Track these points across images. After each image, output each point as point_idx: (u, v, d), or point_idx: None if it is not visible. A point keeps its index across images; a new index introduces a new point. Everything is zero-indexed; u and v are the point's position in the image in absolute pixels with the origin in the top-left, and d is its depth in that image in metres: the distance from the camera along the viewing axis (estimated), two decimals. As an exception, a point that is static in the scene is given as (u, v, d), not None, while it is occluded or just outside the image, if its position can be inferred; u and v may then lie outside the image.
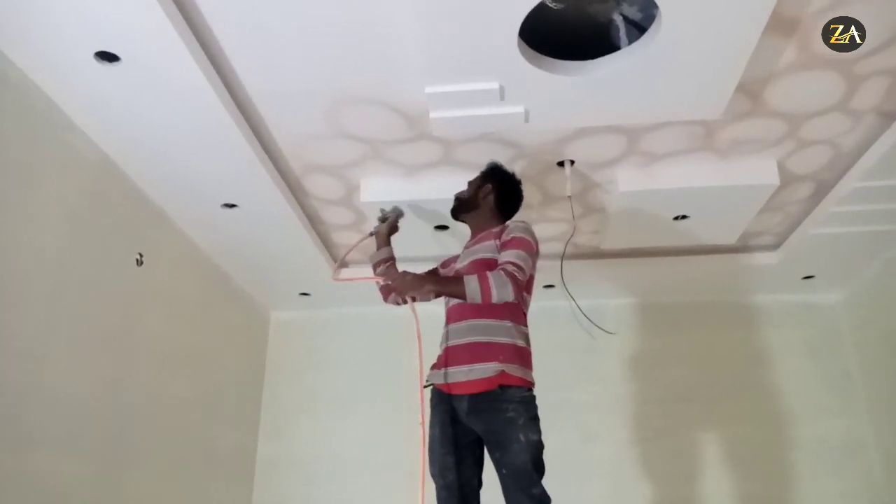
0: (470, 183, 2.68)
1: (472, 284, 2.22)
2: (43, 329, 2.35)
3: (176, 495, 3.19)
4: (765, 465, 3.89)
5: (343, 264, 3.78)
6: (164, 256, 3.13)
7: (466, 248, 2.59)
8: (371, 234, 2.86)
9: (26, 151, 2.28)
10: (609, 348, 4.11)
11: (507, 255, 2.32)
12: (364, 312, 4.24)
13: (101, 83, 2.24)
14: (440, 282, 2.37)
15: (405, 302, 2.51)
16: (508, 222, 2.51)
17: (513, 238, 2.38)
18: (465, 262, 2.49)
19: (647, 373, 4.11)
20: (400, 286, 2.30)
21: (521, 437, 2.20)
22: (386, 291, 2.67)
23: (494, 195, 2.61)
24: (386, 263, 2.71)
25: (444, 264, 2.72)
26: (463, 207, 2.65)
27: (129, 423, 2.85)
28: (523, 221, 2.49)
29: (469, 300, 2.23)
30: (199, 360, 3.48)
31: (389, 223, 2.83)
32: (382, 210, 2.90)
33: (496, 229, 2.49)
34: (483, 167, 2.72)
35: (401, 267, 2.69)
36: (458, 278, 2.28)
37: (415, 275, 2.37)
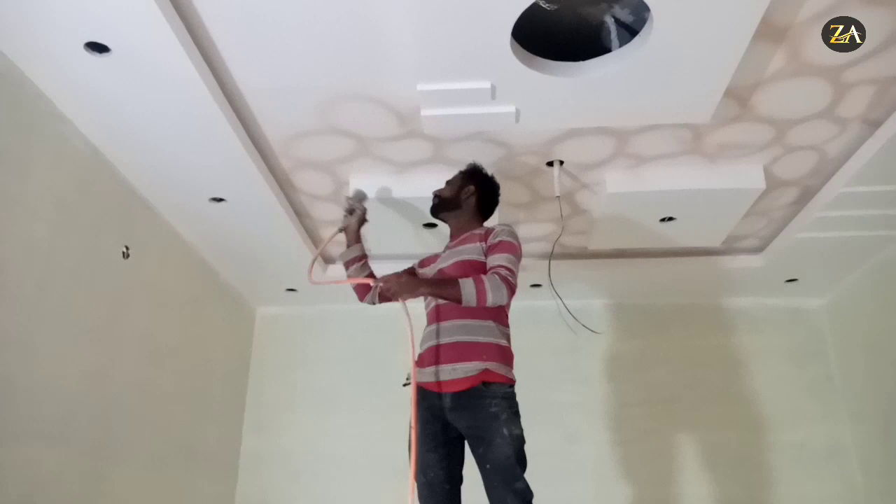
0: (449, 182, 2.69)
1: (468, 288, 2.23)
2: (29, 320, 2.33)
3: (160, 488, 3.18)
4: (746, 468, 3.93)
5: (326, 254, 3.76)
6: (151, 250, 3.12)
7: (449, 247, 2.60)
8: (341, 230, 2.74)
9: (15, 141, 2.26)
10: (594, 349, 4.14)
11: (498, 259, 2.35)
12: (350, 309, 4.20)
13: (91, 74, 2.23)
14: (435, 284, 2.35)
15: (382, 302, 2.52)
16: (493, 225, 2.53)
17: (500, 242, 2.41)
18: (449, 263, 2.50)
19: (631, 374, 4.14)
20: (395, 288, 2.24)
21: (505, 431, 2.24)
22: (362, 291, 2.65)
23: (476, 196, 2.64)
24: (359, 262, 2.67)
25: (424, 263, 2.70)
26: (444, 206, 2.65)
27: (115, 415, 2.84)
28: (508, 225, 2.52)
29: (464, 303, 2.25)
30: (184, 354, 3.46)
31: (359, 216, 2.72)
32: (348, 200, 2.74)
33: (480, 231, 2.53)
34: (464, 166, 2.72)
35: (374, 265, 2.72)
36: (453, 281, 2.27)
37: (409, 277, 2.35)
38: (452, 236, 2.64)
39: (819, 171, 2.96)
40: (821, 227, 3.25)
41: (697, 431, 4.01)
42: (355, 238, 2.72)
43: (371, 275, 2.69)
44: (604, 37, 2.24)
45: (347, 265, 2.69)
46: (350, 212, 2.72)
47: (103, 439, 2.76)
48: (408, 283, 2.28)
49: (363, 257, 2.70)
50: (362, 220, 2.75)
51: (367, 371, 4.12)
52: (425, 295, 2.34)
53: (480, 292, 2.23)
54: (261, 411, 4.20)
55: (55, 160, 2.46)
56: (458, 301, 2.25)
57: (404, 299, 2.30)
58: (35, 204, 2.36)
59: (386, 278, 2.29)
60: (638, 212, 3.16)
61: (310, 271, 2.69)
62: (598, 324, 3.92)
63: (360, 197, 2.77)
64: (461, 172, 2.70)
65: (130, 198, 2.94)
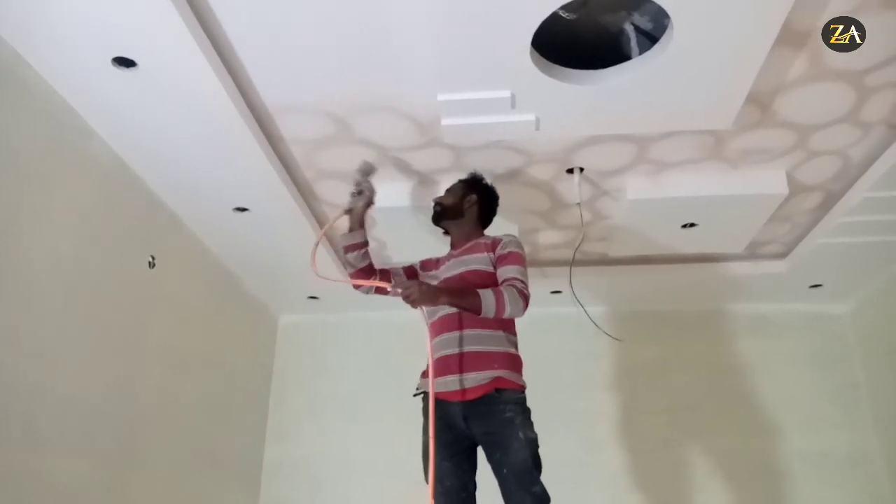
0: (450, 190, 2.71)
1: (488, 300, 2.27)
2: (56, 331, 2.38)
3: (183, 497, 3.21)
4: (768, 476, 3.89)
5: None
6: (176, 259, 3.16)
7: (453, 256, 2.61)
8: (346, 212, 2.61)
9: (43, 155, 2.31)
10: (614, 355, 4.12)
11: (511, 272, 2.40)
12: (372, 317, 4.27)
13: (118, 88, 2.27)
14: (456, 294, 2.34)
15: (378, 294, 2.56)
16: (499, 235, 2.57)
17: (510, 253, 2.46)
18: (457, 272, 2.51)
19: (652, 381, 4.12)
20: (416, 296, 2.24)
21: (521, 435, 2.29)
22: (359, 278, 2.61)
23: (478, 206, 2.67)
24: (360, 249, 2.59)
25: (426, 265, 2.71)
26: (447, 215, 2.66)
27: (139, 424, 2.87)
28: (514, 236, 2.57)
29: (483, 314, 2.29)
30: (208, 363, 3.50)
31: (367, 197, 2.61)
32: (357, 181, 2.60)
33: (485, 241, 2.56)
34: (464, 175, 2.76)
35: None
36: (472, 291, 2.30)
37: (429, 285, 2.36)
38: (455, 244, 2.66)
39: (842, 176, 2.94)
40: (845, 233, 3.22)
41: (719, 439, 3.97)
42: (360, 223, 2.61)
43: (384, 272, 2.66)
44: (624, 44, 2.25)
45: (347, 250, 2.60)
46: (358, 192, 2.61)
47: (127, 449, 2.79)
48: (429, 291, 2.29)
49: (365, 244, 2.61)
50: (369, 203, 2.65)
51: (389, 378, 4.13)
52: (445, 304, 2.35)
53: (500, 304, 2.28)
54: (283, 419, 4.23)
55: (82, 173, 2.50)
56: (477, 312, 2.28)
57: (433, 304, 2.31)
58: (62, 216, 2.41)
59: (407, 285, 2.29)
60: (659, 218, 3.15)
61: (313, 261, 2.57)
62: (619, 330, 3.91)
63: (369, 170, 2.62)
64: (462, 181, 2.72)
65: (156, 209, 2.99)
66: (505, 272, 2.42)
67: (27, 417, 2.23)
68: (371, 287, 2.61)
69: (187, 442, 3.27)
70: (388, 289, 2.44)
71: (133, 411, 2.83)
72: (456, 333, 2.41)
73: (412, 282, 2.34)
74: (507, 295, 2.29)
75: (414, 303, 2.27)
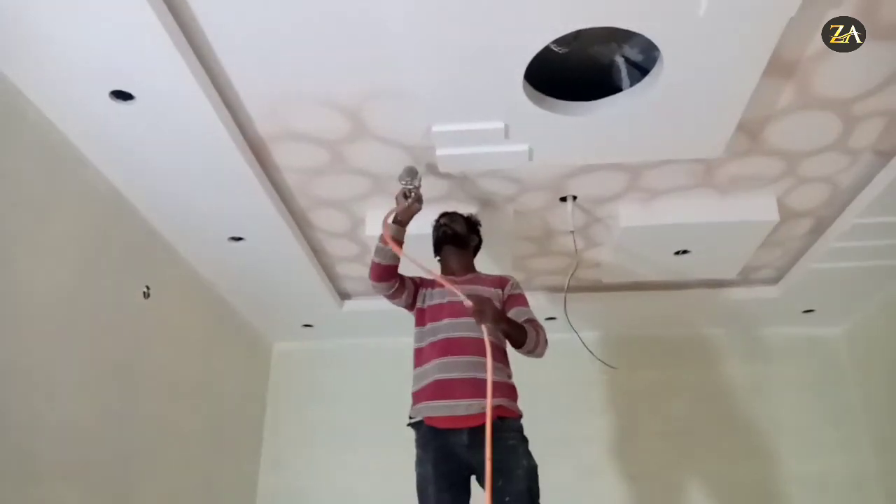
0: (454, 220, 2.73)
1: (532, 338, 2.44)
2: (51, 360, 2.37)
3: (178, 528, 3.18)
4: (766, 500, 3.87)
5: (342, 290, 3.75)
6: (171, 289, 3.16)
7: (455, 282, 2.55)
8: (406, 197, 2.54)
9: (41, 186, 2.32)
10: (610, 382, 4.11)
11: (530, 314, 2.56)
12: (366, 344, 4.26)
13: (115, 121, 2.29)
14: (511, 325, 2.43)
15: (393, 297, 2.61)
16: (503, 275, 2.70)
17: (520, 295, 2.62)
18: (462, 299, 2.46)
19: (648, 406, 4.11)
20: (489, 315, 2.28)
21: (524, 463, 2.30)
22: (387, 272, 2.54)
23: (475, 248, 2.81)
24: (397, 245, 2.49)
25: (422, 283, 2.69)
26: (456, 241, 2.70)
27: (135, 454, 2.86)
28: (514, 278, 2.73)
29: (522, 349, 2.46)
30: (203, 392, 3.49)
31: (417, 198, 2.57)
32: (416, 186, 2.54)
33: (488, 277, 2.67)
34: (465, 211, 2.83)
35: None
36: (521, 327, 2.44)
37: (496, 308, 2.37)
38: (454, 272, 2.68)
39: (832, 202, 2.97)
40: (836, 258, 3.24)
41: (716, 464, 3.96)
42: (408, 220, 2.58)
43: (402, 278, 2.61)
44: (615, 76, 2.28)
45: (386, 241, 2.50)
46: (405, 197, 2.56)
47: (122, 477, 2.77)
48: (497, 314, 2.35)
49: (401, 244, 2.52)
50: (419, 208, 2.59)
51: (384, 406, 4.05)
52: (502, 330, 2.41)
53: (537, 344, 2.47)
54: (278, 447, 4.19)
55: (79, 204, 2.52)
56: (520, 346, 2.46)
57: (496, 327, 2.36)
58: (59, 246, 2.42)
59: (480, 300, 2.33)
60: (652, 245, 3.17)
61: (385, 229, 2.48)
62: (614, 356, 3.89)
63: (413, 173, 2.55)
64: (465, 219, 2.77)
65: (151, 239, 3.00)
66: (524, 313, 2.54)
67: (22, 446, 2.22)
68: (393, 285, 2.57)
69: (182, 470, 3.25)
70: (459, 293, 2.35)
71: (128, 440, 2.81)
72: (460, 358, 2.40)
73: (485, 298, 2.39)
74: (542, 338, 2.48)
75: (482, 319, 2.28)
